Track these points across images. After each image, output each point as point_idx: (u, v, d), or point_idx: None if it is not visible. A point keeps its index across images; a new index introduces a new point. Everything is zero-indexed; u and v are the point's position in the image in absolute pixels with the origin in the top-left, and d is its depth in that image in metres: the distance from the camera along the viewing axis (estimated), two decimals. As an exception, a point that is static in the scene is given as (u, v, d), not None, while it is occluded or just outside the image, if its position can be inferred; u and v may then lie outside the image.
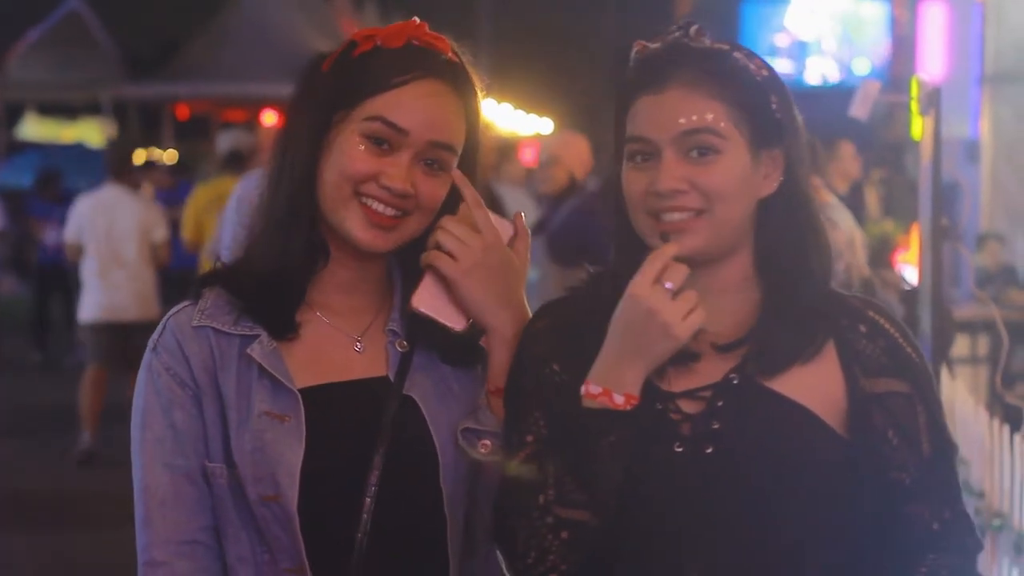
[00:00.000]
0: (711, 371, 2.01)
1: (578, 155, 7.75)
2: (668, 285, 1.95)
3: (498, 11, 29.05)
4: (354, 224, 2.09)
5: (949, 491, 2.06)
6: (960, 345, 8.34)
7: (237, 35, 20.58)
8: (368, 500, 2.05)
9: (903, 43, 16.52)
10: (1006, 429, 4.50)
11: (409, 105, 2.07)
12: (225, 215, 6.66)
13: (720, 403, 1.99)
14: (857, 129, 7.23)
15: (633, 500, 1.97)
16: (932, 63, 11.71)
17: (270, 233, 2.11)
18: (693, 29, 2.03)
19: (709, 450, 1.97)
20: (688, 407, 2.00)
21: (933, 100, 4.21)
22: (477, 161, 2.18)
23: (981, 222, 10.13)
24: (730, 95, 1.99)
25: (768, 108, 2.01)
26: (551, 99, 28.48)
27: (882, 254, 9.04)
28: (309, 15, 21.10)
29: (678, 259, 1.98)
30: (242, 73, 19.67)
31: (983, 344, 8.31)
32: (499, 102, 21.84)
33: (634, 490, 1.97)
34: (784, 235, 2.03)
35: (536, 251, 3.68)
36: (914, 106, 4.34)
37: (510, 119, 23.45)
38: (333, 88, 2.10)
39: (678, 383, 2.01)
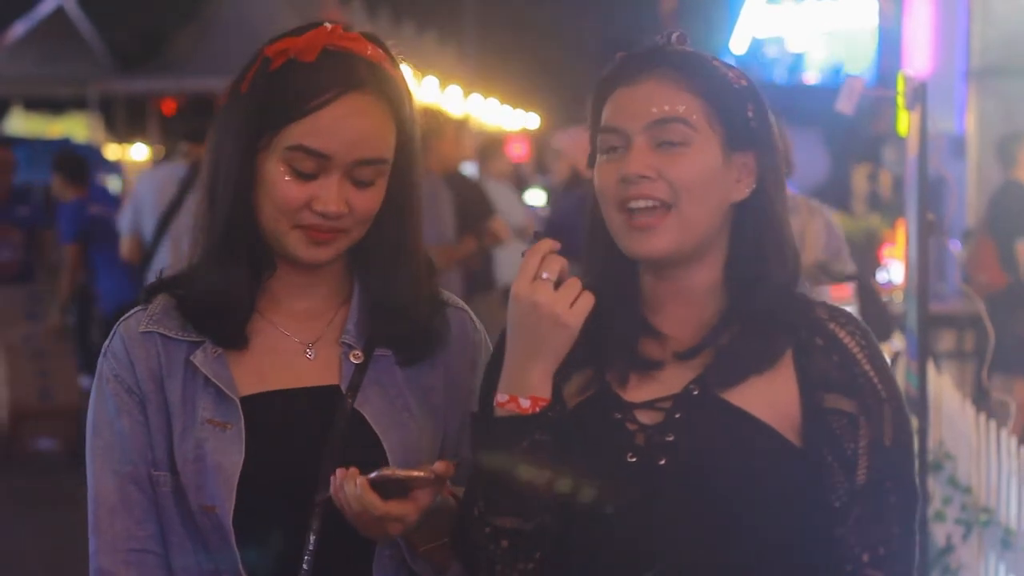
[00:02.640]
0: (673, 380, 1.99)
1: (582, 148, 7.79)
2: (545, 275, 1.95)
3: (484, 5, 29.03)
4: (297, 247, 2.05)
5: (882, 527, 1.95)
6: (946, 340, 8.38)
7: (223, 28, 20.52)
8: (315, 521, 2.00)
9: (889, 37, 16.51)
10: (992, 424, 4.51)
11: (329, 129, 2.01)
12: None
13: (677, 415, 1.96)
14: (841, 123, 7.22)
15: (585, 509, 1.96)
16: (918, 58, 11.72)
17: (212, 255, 2.07)
18: (675, 36, 2.05)
19: (662, 461, 1.94)
20: (645, 418, 1.98)
21: (919, 95, 4.21)
22: (415, 155, 2.12)
23: (967, 217, 10.14)
24: (705, 91, 1.99)
25: (744, 113, 2.01)
26: (537, 94, 28.48)
27: (868, 249, 9.05)
28: (295, 8, 21.05)
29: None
30: (228, 67, 19.54)
31: (969, 339, 8.33)
32: (485, 97, 21.82)
33: (585, 498, 1.95)
34: (752, 243, 2.02)
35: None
36: (900, 101, 4.34)
37: (496, 114, 23.42)
38: (254, 112, 2.04)
39: (640, 392, 2.00)
